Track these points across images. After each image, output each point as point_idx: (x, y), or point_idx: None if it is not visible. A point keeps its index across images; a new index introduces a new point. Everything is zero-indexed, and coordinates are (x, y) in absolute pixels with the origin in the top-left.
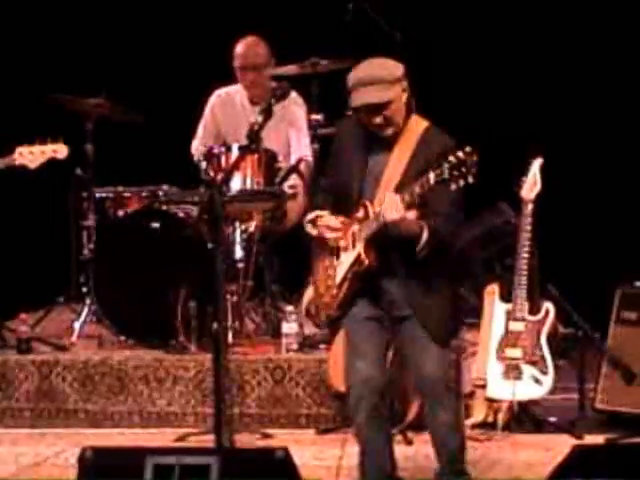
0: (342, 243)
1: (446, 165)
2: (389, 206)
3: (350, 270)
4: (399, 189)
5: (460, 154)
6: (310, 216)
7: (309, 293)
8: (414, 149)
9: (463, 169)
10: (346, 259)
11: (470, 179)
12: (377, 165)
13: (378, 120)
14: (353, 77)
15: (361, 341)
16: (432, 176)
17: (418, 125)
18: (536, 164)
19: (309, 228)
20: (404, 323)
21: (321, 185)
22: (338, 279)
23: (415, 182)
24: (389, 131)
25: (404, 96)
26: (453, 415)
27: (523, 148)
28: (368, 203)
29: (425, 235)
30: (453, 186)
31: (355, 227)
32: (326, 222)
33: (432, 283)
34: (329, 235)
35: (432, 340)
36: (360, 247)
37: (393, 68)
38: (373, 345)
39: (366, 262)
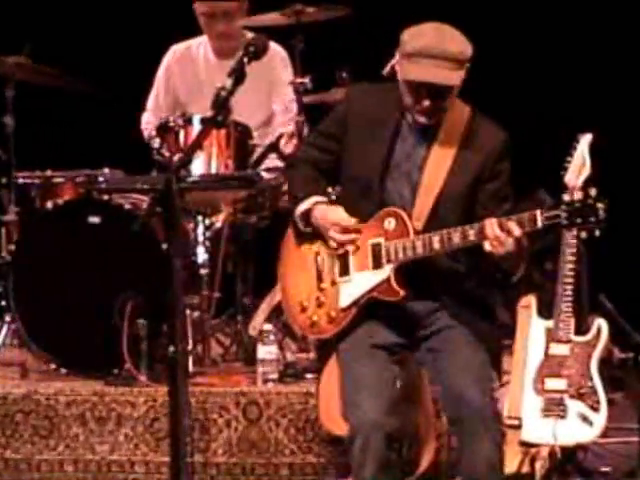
0: (351, 251)
1: (563, 207)
2: (500, 239)
3: (367, 295)
4: (443, 198)
5: (583, 197)
6: (304, 205)
7: (272, 298)
8: (459, 143)
9: (592, 218)
10: (363, 279)
11: (597, 232)
12: (408, 160)
13: (427, 104)
14: (417, 42)
15: (366, 375)
16: (540, 218)
17: (461, 111)
18: (584, 142)
19: (301, 223)
20: (440, 335)
21: (311, 159)
22: (346, 302)
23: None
24: (432, 120)
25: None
26: (498, 451)
27: (569, 123)
28: (405, 216)
29: (524, 262)
30: (574, 233)
31: (380, 240)
32: (339, 220)
33: (479, 306)
34: (340, 238)
35: (483, 350)
36: (391, 272)
37: (466, 45)
38: (381, 381)
39: (400, 294)
